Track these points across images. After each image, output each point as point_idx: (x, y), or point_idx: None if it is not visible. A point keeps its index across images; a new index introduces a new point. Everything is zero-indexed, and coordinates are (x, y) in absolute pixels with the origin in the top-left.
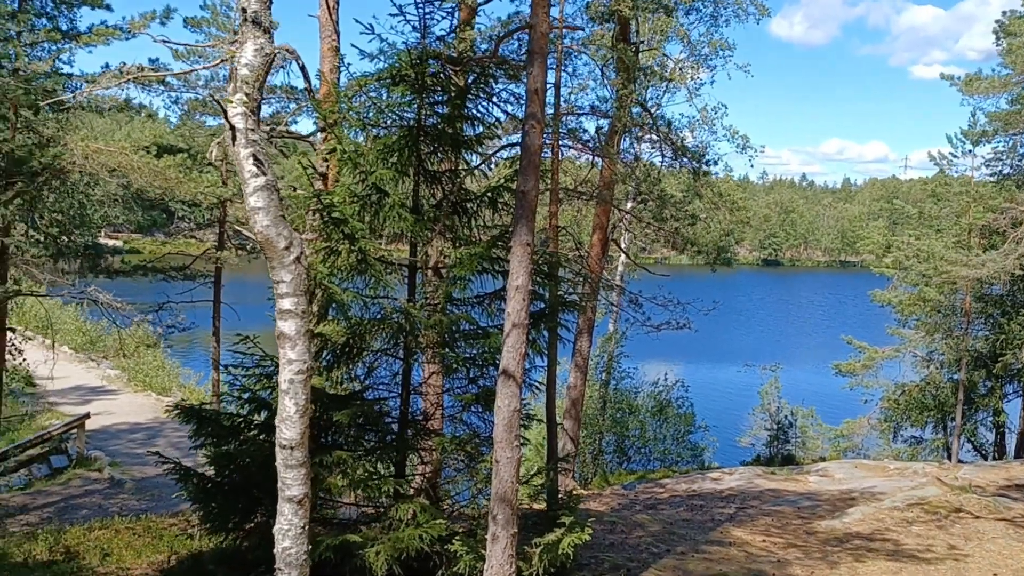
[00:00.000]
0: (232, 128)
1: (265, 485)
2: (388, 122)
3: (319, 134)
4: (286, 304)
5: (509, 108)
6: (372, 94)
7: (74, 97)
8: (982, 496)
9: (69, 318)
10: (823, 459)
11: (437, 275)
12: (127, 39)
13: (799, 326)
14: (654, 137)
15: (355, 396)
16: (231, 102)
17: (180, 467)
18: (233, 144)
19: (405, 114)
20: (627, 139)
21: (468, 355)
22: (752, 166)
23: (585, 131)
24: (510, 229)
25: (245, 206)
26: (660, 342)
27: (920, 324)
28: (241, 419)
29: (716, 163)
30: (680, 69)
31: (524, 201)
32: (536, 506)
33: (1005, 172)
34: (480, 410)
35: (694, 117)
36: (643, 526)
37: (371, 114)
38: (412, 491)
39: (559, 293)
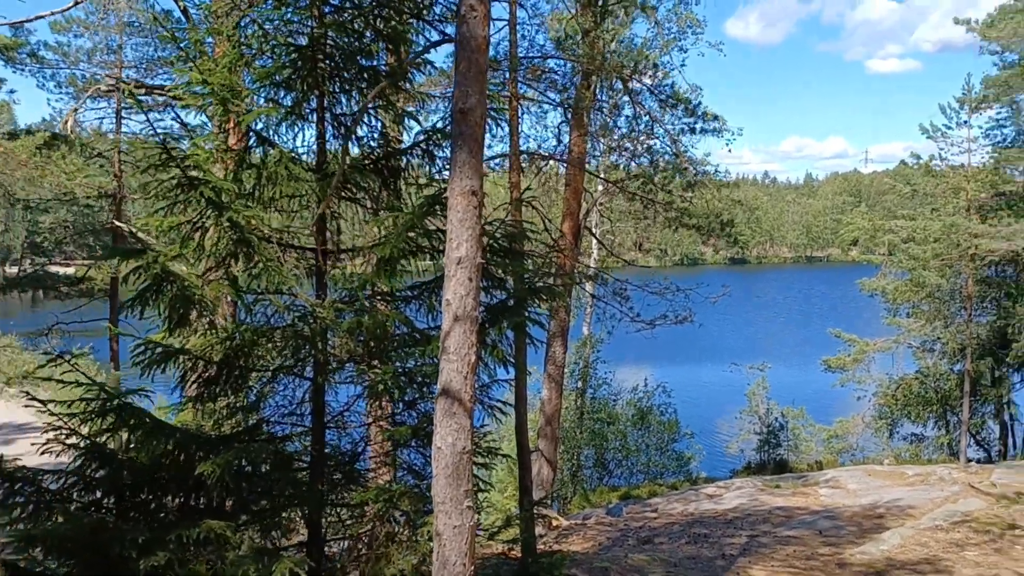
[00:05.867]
0: None
1: None
2: (278, 51)
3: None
4: None
5: (449, 31)
6: (254, 14)
7: None
8: None
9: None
10: (819, 463)
11: (365, 261)
12: None
13: (781, 323)
14: (636, 86)
15: (239, 436)
16: None
17: None
18: None
19: (299, 33)
20: (603, 95)
21: (403, 369)
22: (730, 151)
23: (553, 72)
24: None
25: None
26: (637, 344)
27: (915, 312)
28: (78, 480)
29: (716, 118)
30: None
31: (464, 125)
32: (511, 551)
33: (1010, 138)
34: (422, 446)
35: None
36: (642, 571)
37: (252, 41)
38: (337, 568)
39: (526, 276)
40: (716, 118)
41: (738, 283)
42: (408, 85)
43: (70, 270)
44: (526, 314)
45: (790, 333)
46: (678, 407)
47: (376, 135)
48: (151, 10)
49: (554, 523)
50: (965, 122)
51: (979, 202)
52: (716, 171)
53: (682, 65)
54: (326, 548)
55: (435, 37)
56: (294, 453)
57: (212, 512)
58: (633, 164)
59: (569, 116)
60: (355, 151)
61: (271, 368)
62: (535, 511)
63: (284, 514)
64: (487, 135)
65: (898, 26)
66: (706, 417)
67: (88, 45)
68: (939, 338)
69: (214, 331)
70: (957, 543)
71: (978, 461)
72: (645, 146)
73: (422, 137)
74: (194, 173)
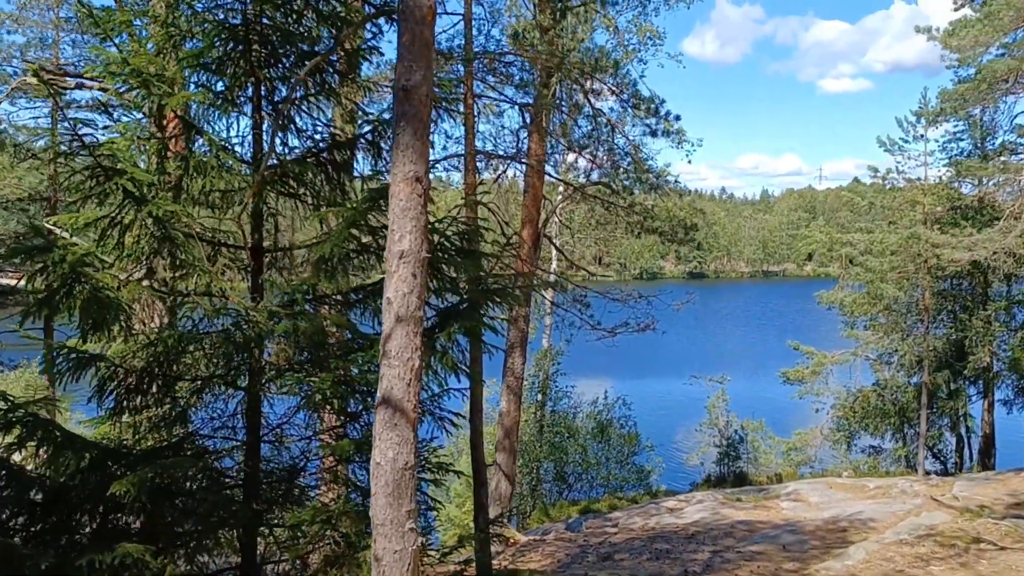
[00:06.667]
0: None
1: None
2: (209, 31)
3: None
4: None
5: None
6: None
7: None
8: (996, 520)
9: None
10: (779, 476)
11: (306, 261)
12: None
13: (740, 335)
14: (597, 87)
15: (163, 451)
16: None
17: None
18: None
19: (233, 11)
20: (561, 92)
21: (344, 377)
22: (689, 162)
23: (512, 65)
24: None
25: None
26: (597, 357)
27: (873, 324)
28: None
29: (678, 119)
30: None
31: (408, 104)
32: (465, 571)
33: (967, 152)
34: (367, 461)
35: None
36: None
37: (181, 19)
38: None
39: (481, 277)
40: (679, 118)
41: (697, 297)
42: (357, 76)
43: (13, 281)
44: (480, 318)
45: (749, 346)
46: (638, 419)
47: (320, 127)
48: None
49: (512, 539)
50: (922, 136)
51: (935, 215)
52: (676, 182)
53: (641, 76)
54: (262, 572)
55: (384, 24)
56: (226, 469)
57: (133, 534)
58: (595, 173)
59: (528, 119)
60: (295, 143)
61: (201, 377)
62: (491, 529)
63: (215, 536)
64: (443, 136)
65: (850, 48)
66: (666, 429)
67: (21, 40)
68: (896, 350)
69: (134, 336)
70: (923, 558)
71: (936, 473)
72: (606, 148)
73: (367, 128)
74: (110, 163)
